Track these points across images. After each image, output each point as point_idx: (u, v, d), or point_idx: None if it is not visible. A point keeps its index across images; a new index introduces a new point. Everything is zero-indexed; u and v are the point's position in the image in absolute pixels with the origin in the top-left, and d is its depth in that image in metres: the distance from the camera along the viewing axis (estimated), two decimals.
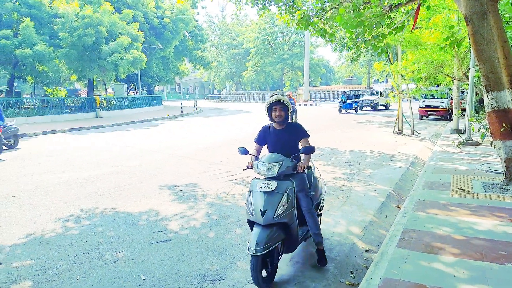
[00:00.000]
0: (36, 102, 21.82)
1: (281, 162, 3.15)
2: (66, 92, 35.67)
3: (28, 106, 21.51)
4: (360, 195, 5.87)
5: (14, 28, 20.91)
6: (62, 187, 6.52)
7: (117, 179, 7.02)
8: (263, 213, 2.94)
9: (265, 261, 2.99)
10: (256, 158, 3.48)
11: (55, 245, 4.10)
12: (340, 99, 26.61)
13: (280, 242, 3.08)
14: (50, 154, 10.03)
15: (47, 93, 30.88)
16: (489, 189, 5.54)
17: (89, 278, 3.37)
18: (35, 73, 22.39)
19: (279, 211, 2.96)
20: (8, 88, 24.57)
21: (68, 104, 23.65)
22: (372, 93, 30.87)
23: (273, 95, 3.48)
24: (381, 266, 3.25)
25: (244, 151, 3.48)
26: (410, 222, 4.29)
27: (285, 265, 3.54)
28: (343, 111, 26.16)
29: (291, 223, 3.06)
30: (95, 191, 6.25)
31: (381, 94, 29.12)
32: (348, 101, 25.91)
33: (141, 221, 4.80)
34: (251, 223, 3.11)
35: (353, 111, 26.14)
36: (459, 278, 2.99)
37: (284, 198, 3.02)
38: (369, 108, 28.44)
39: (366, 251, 3.95)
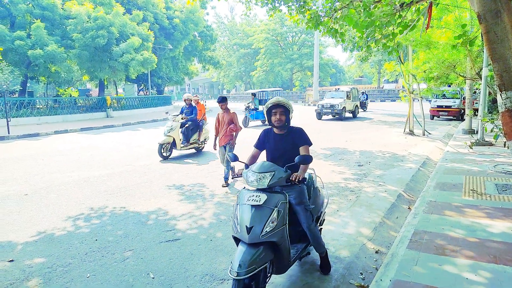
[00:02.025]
0: (49, 102, 22.17)
1: (273, 172, 2.80)
2: (77, 92, 36.14)
3: (41, 106, 21.87)
4: (370, 195, 5.81)
5: (27, 30, 21.28)
6: (73, 186, 6.60)
7: (127, 179, 7.07)
8: (249, 230, 2.57)
9: (249, 285, 2.57)
10: (247, 166, 3.09)
11: (66, 243, 4.15)
12: (247, 103, 17.65)
13: (269, 262, 2.71)
14: (62, 153, 10.17)
15: (59, 93, 31.35)
16: (503, 190, 5.44)
17: (99, 276, 3.39)
18: (48, 74, 22.75)
19: (268, 229, 2.59)
20: (21, 88, 24.97)
21: (80, 104, 23.96)
22: (337, 95, 21.18)
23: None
24: (391, 267, 3.21)
25: (234, 158, 3.21)
26: (421, 224, 4.23)
27: (294, 265, 3.52)
28: (250, 123, 17.70)
29: (281, 243, 2.68)
30: (105, 190, 6.31)
31: (348, 96, 20.57)
32: (261, 108, 17.17)
33: (150, 220, 4.83)
34: (237, 240, 2.74)
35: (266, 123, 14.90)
36: (471, 281, 2.93)
37: (274, 214, 2.65)
38: (330, 116, 20.55)
39: (376, 252, 3.90)
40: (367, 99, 27.56)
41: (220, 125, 6.62)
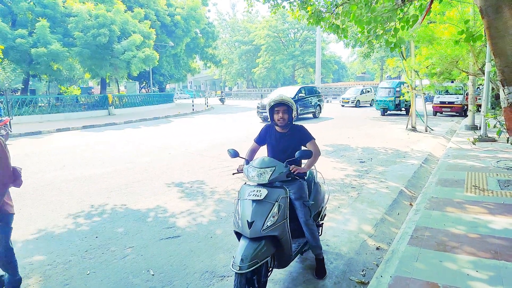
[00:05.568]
0: (51, 100, 22.19)
1: (273, 168, 2.83)
2: (79, 90, 36.19)
3: (43, 104, 21.89)
4: (372, 192, 5.79)
5: (29, 28, 21.28)
6: (74, 184, 6.60)
7: (128, 176, 7.07)
8: (250, 224, 2.60)
9: (251, 279, 2.60)
10: (247, 162, 3.08)
11: (66, 240, 4.16)
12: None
13: (270, 257, 2.74)
14: (63, 151, 10.18)
15: (61, 91, 31.36)
16: (505, 186, 5.41)
17: (99, 273, 3.39)
18: (50, 72, 22.73)
19: (269, 223, 2.61)
20: (23, 86, 25.01)
21: (82, 102, 23.95)
22: None
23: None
24: (392, 264, 3.19)
25: (235, 154, 3.15)
26: (422, 220, 4.20)
27: (295, 261, 3.51)
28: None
29: (282, 237, 2.71)
30: (106, 187, 6.31)
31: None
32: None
33: (150, 218, 4.83)
34: (239, 235, 2.77)
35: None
36: (472, 276, 2.91)
37: (275, 208, 2.67)
38: None
39: (377, 249, 3.88)
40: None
41: None
